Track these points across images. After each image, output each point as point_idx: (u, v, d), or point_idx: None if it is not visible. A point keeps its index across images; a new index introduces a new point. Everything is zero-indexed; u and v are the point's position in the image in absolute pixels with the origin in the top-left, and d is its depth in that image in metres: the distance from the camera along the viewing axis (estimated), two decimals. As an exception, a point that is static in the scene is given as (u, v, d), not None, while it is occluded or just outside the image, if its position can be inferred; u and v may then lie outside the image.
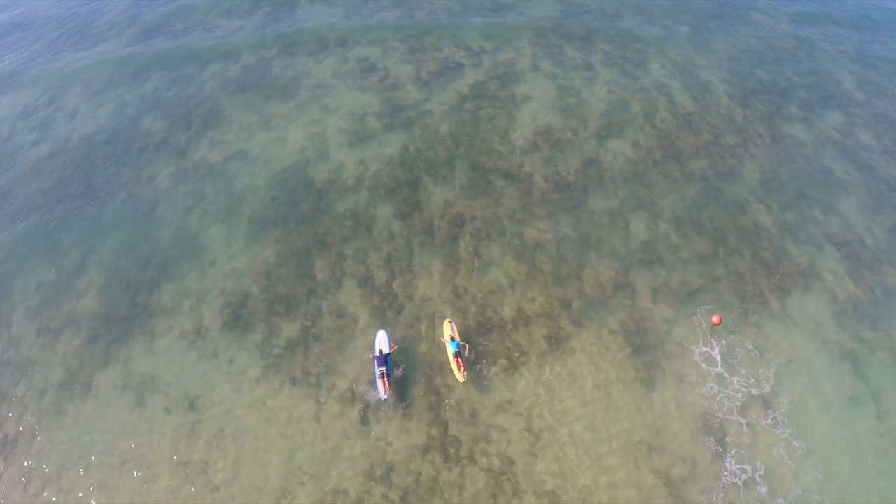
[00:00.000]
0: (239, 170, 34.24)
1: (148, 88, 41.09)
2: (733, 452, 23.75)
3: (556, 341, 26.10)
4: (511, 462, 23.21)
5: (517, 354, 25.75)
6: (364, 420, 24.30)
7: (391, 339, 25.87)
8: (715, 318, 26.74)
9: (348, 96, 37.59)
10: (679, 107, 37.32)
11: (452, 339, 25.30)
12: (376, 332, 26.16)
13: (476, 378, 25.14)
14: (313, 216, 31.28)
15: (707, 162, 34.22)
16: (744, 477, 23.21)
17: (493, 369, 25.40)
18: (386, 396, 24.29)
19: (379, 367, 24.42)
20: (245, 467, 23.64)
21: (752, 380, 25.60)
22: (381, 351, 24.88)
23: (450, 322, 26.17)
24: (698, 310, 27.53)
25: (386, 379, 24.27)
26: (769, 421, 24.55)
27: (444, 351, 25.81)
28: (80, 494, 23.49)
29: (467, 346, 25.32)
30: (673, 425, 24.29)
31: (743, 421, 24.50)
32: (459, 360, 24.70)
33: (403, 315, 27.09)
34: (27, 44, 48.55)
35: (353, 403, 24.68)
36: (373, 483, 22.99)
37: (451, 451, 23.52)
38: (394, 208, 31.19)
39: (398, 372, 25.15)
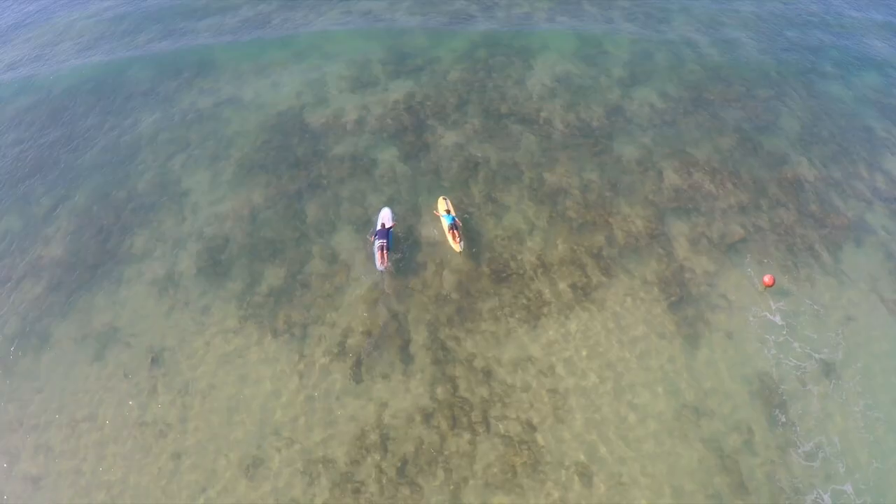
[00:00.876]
0: (229, 116, 29.46)
1: (140, 42, 36.41)
2: (797, 421, 18.65)
3: (583, 291, 21.07)
4: (532, 428, 18.13)
5: (538, 305, 20.71)
6: (356, 377, 19.26)
7: (395, 216, 23.30)
8: (767, 279, 21.68)
9: (351, 44, 32.85)
10: (707, 60, 32.48)
11: (448, 212, 22.78)
12: (380, 209, 23.57)
13: (488, 329, 20.14)
14: (308, 159, 26.42)
15: (741, 114, 29.32)
16: (812, 449, 18.09)
17: (510, 321, 20.36)
18: (383, 268, 21.49)
19: (379, 239, 21.79)
20: (212, 430, 18.61)
21: (811, 339, 20.54)
22: (382, 224, 22.36)
23: (444, 198, 23.65)
24: (746, 260, 22.50)
25: (385, 252, 21.55)
26: (835, 386, 19.47)
27: (441, 230, 22.83)
28: (22, 458, 18.49)
29: (459, 224, 22.55)
30: (723, 388, 19.20)
31: (805, 385, 19.42)
32: (455, 231, 22.06)
33: (405, 262, 22.09)
34: (21, 4, 44.08)
35: (343, 358, 19.65)
36: (365, 451, 17.91)
37: (461, 415, 18.45)
38: (398, 151, 26.33)
39: (398, 254, 22.25)
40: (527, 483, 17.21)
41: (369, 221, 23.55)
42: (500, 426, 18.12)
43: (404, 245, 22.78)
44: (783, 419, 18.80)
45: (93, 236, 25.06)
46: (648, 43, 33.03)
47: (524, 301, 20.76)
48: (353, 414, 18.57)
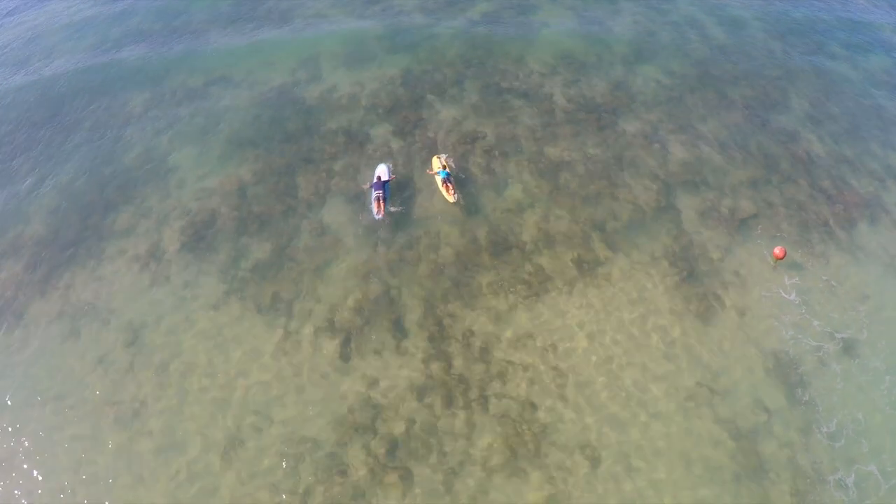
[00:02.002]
0: (220, 93, 27.82)
1: (132, 24, 34.78)
2: (817, 400, 16.93)
3: (588, 266, 19.36)
4: (533, 407, 16.40)
5: (540, 280, 18.99)
6: (344, 355, 17.53)
7: (391, 171, 22.45)
8: (777, 251, 20.01)
9: (347, 23, 31.22)
10: (712, 39, 30.84)
11: (443, 167, 21.97)
12: (377, 165, 22.73)
13: (487, 304, 18.43)
14: (299, 134, 24.77)
15: (749, 91, 27.65)
16: (834, 429, 16.35)
17: (510, 297, 18.64)
18: (380, 216, 20.71)
19: (376, 190, 21.11)
20: (189, 409, 16.89)
21: (828, 316, 18.87)
22: (379, 178, 21.71)
23: (438, 157, 22.60)
24: (758, 235, 20.80)
25: (382, 201, 20.84)
26: (857, 364, 17.76)
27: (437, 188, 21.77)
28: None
29: (453, 178, 21.73)
30: (738, 366, 17.48)
31: (824, 363, 17.74)
32: (448, 184, 21.25)
33: (400, 235, 20.41)
34: (16, -9, 42.57)
35: (331, 334, 17.94)
36: (352, 432, 16.19)
37: (456, 393, 16.72)
38: (393, 126, 24.68)
39: (394, 208, 21.27)
40: (528, 466, 15.48)
41: (361, 194, 21.86)
42: (499, 405, 16.39)
43: (400, 209, 21.39)
44: (803, 398, 17.09)
45: (74, 213, 23.42)
46: (652, 24, 31.38)
47: (525, 276, 19.05)
48: (340, 392, 16.85)
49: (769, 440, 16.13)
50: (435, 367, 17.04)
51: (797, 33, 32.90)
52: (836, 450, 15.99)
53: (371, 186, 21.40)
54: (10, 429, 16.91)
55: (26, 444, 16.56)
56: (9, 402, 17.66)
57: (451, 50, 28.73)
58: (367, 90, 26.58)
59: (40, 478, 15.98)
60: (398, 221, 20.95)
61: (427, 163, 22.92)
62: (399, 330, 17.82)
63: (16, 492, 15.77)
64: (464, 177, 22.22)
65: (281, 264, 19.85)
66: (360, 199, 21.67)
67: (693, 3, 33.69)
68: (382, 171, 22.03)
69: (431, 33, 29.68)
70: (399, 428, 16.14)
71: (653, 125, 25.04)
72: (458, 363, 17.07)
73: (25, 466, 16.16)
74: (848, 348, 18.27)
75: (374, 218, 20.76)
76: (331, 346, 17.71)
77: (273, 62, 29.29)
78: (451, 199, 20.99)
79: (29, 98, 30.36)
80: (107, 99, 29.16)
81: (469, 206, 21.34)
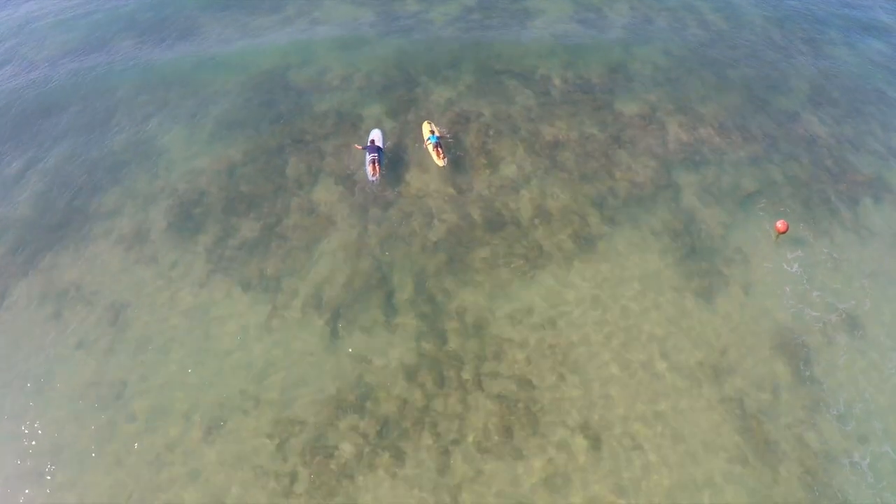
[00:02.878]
0: (211, 76, 26.83)
1: (124, 12, 33.93)
2: (824, 378, 16.01)
3: (585, 241, 18.44)
4: (530, 386, 15.44)
5: (536, 255, 18.06)
6: (334, 332, 16.57)
7: (385, 138, 22.31)
8: (780, 224, 19.14)
9: (341, 9, 30.37)
10: (711, 24, 30.01)
11: (432, 133, 21.73)
12: (370, 131, 22.47)
13: (481, 280, 17.49)
14: (291, 115, 23.85)
15: (749, 72, 26.81)
16: (844, 409, 15.41)
17: (505, 272, 17.70)
18: (375, 178, 20.54)
19: (370, 153, 20.83)
20: (172, 390, 15.92)
21: (834, 291, 18.01)
22: (373, 141, 21.39)
23: (428, 122, 22.42)
24: (760, 212, 19.92)
25: (377, 164, 20.69)
26: (863, 340, 16.84)
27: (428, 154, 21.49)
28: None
29: (444, 141, 21.63)
30: (743, 343, 16.54)
31: (831, 340, 16.80)
32: (439, 149, 21.09)
33: (392, 211, 19.50)
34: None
35: (319, 311, 16.98)
36: (341, 412, 15.22)
37: (449, 371, 15.76)
38: (385, 107, 23.79)
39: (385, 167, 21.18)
40: (524, 446, 14.51)
41: (353, 173, 20.97)
42: (495, 384, 15.43)
43: (392, 179, 20.74)
44: (810, 375, 16.16)
45: (60, 195, 22.47)
46: (649, 10, 30.54)
47: (521, 250, 18.13)
48: (328, 371, 15.88)
49: (776, 420, 15.20)
50: (427, 344, 16.08)
51: (795, 19, 32.09)
52: (847, 431, 15.04)
53: (365, 149, 21.07)
54: (-16, 411, 15.94)
55: (6, 427, 15.57)
56: (-13, 383, 16.71)
57: (446, 33, 27.86)
58: (360, 71, 25.69)
59: (19, 461, 14.99)
60: (391, 198, 20.04)
61: (419, 142, 22.02)
62: (390, 306, 16.88)
63: (-11, 475, 14.80)
64: (451, 140, 21.84)
65: (269, 242, 18.91)
66: (351, 179, 20.74)
67: (690, -11, 32.92)
68: (377, 136, 21.72)
69: (425, 18, 28.82)
70: (390, 408, 15.18)
71: (651, 106, 24.16)
72: (451, 340, 16.12)
73: (3, 449, 15.17)
74: (854, 324, 17.37)
75: (370, 180, 20.58)
76: (319, 323, 16.75)
77: (265, 44, 28.41)
78: (440, 162, 20.88)
79: (18, 84, 29.49)
80: (95, 83, 28.22)
81: (463, 183, 20.45)
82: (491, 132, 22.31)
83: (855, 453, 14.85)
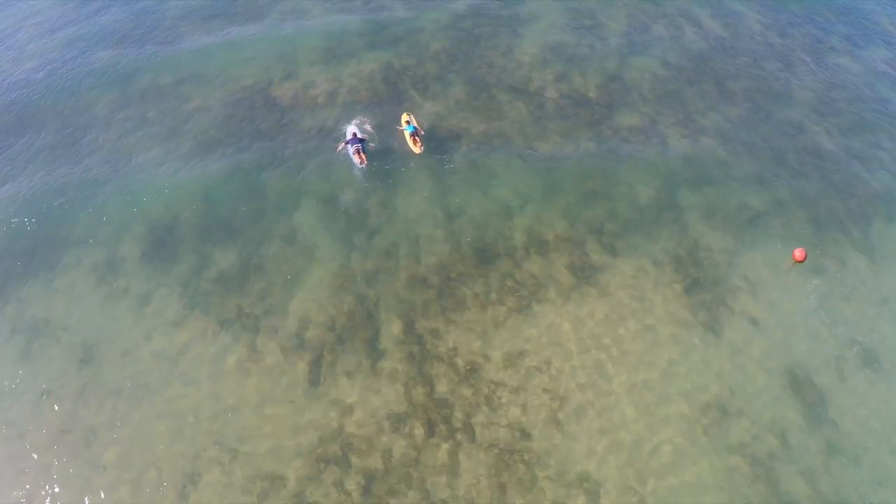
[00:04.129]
0: (190, 91, 25.31)
1: (104, 22, 32.21)
2: (838, 419, 14.76)
3: (584, 273, 17.08)
4: (526, 436, 14.13)
5: (531, 290, 16.69)
6: (315, 376, 15.21)
7: (363, 130, 21.76)
8: (797, 253, 17.77)
9: (326, 18, 28.78)
10: (709, 32, 28.52)
11: (408, 123, 21.46)
12: (345, 129, 21.84)
13: (472, 319, 16.14)
14: (272, 133, 22.36)
15: (750, 83, 25.39)
16: (859, 451, 14.19)
17: (499, 309, 16.35)
18: (363, 166, 20.15)
19: (353, 144, 20.46)
20: (146, 439, 14.59)
21: (845, 323, 16.70)
22: (354, 134, 21.00)
23: (408, 114, 22.04)
24: (768, 235, 18.58)
25: (362, 153, 20.29)
26: (879, 376, 15.60)
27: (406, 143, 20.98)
28: None
29: (421, 132, 21.32)
30: (752, 383, 15.28)
31: (844, 377, 15.54)
32: (416, 138, 20.88)
33: (377, 239, 18.09)
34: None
35: (300, 353, 15.61)
36: (323, 465, 13.89)
37: (439, 420, 14.44)
38: (371, 123, 22.28)
39: (371, 146, 20.96)
40: (520, 503, 13.21)
41: (335, 196, 19.52)
42: (487, 434, 14.11)
43: (378, 202, 19.53)
44: (823, 417, 14.90)
45: (33, 220, 21.03)
46: (646, 16, 29.03)
47: (514, 285, 16.75)
48: (310, 420, 14.54)
49: (788, 466, 13.96)
50: (415, 390, 14.74)
51: (796, 25, 30.64)
52: (862, 475, 13.82)
53: (347, 143, 20.68)
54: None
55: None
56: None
57: (435, 43, 26.31)
58: (345, 86, 24.17)
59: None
60: (375, 224, 18.63)
61: (407, 159, 20.61)
62: (375, 348, 15.51)
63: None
64: (430, 128, 21.61)
65: (247, 275, 17.50)
66: (334, 202, 19.29)
67: (687, -7, 31.39)
68: (354, 129, 21.40)
69: (414, 27, 27.24)
70: (375, 461, 13.86)
71: (651, 118, 22.75)
72: (441, 386, 14.78)
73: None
74: (868, 359, 16.11)
75: (358, 167, 20.22)
76: (300, 366, 15.39)
77: (247, 59, 26.82)
78: (417, 150, 20.64)
79: (-7, 100, 27.91)
80: (73, 99, 26.62)
81: (453, 206, 19.02)
82: (482, 150, 20.87)
83: (873, 499, 13.67)
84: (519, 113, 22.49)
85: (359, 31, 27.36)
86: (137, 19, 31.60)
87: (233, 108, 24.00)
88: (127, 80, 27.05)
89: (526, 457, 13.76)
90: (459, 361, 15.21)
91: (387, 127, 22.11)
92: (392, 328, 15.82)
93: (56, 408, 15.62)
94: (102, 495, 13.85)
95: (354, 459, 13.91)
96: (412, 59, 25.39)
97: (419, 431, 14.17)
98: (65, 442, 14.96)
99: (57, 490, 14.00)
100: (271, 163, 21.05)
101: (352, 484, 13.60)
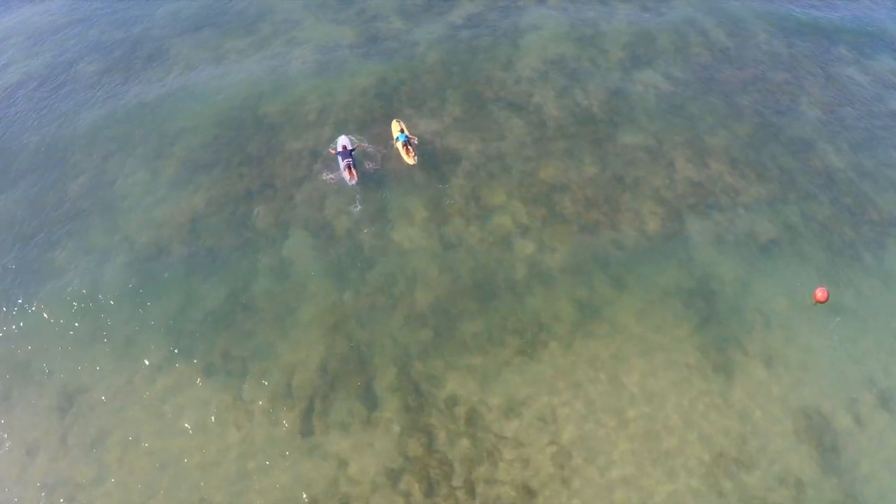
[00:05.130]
0: (177, 109, 24.16)
1: (91, 34, 30.95)
2: (853, 467, 13.85)
3: (589, 310, 16.08)
4: (531, 494, 13.18)
5: (534, 330, 15.70)
6: (306, 429, 14.23)
7: (353, 140, 21.04)
8: (819, 293, 16.60)
9: (319, 29, 27.54)
10: (714, 42, 27.43)
11: (402, 131, 20.75)
12: (337, 137, 21.14)
13: (472, 363, 15.17)
14: (261, 156, 21.25)
15: (757, 97, 24.33)
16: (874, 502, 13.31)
17: (500, 352, 15.37)
18: (354, 182, 19.51)
19: (344, 158, 19.86)
20: (129, 496, 13.58)
21: (862, 359, 15.76)
22: (344, 147, 20.28)
23: (398, 121, 21.39)
24: (780, 264, 17.61)
25: (353, 168, 19.70)
26: (902, 421, 14.68)
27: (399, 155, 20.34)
28: None
29: (415, 139, 20.48)
30: (765, 430, 14.33)
31: (861, 421, 14.62)
32: (408, 147, 20.16)
33: (371, 274, 17.06)
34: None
35: (290, 402, 14.62)
36: (315, 526, 12.94)
37: (438, 477, 13.48)
38: (366, 143, 21.20)
39: (368, 165, 20.42)
40: (525, 569, 12.32)
41: (328, 224, 18.48)
42: (489, 492, 13.15)
43: (373, 231, 18.43)
44: (839, 465, 13.99)
45: (12, 250, 19.98)
46: (649, 25, 27.89)
47: (516, 324, 15.75)
48: (300, 476, 13.56)
49: (809, 522, 13.08)
50: (412, 443, 13.77)
51: (802, 33, 29.49)
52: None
53: (337, 154, 20.05)
54: None
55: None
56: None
57: (431, 56, 25.18)
58: (337, 103, 23.03)
59: None
60: (369, 255, 17.59)
61: (403, 180, 19.57)
62: (369, 397, 14.51)
63: None
64: (426, 143, 20.85)
65: (234, 314, 16.45)
66: (326, 231, 18.24)
67: (690, 3, 30.21)
68: (345, 142, 20.59)
69: (409, 39, 26.08)
70: (370, 522, 12.94)
71: (656, 138, 21.69)
72: (439, 439, 13.81)
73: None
74: (884, 398, 15.21)
75: (349, 185, 19.59)
76: (290, 416, 14.39)
77: (236, 73, 25.65)
78: (410, 160, 19.98)
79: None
80: (55, 120, 25.50)
81: (451, 235, 17.98)
82: (481, 173, 19.82)
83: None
84: (519, 133, 21.39)
85: (352, 45, 26.19)
86: (123, 28, 30.39)
87: (220, 128, 22.84)
88: (111, 98, 25.86)
89: (530, 517, 12.84)
90: (458, 411, 14.21)
91: (381, 144, 21.07)
92: (387, 373, 14.80)
93: (36, 461, 14.65)
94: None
95: (348, 520, 12.98)
96: (407, 73, 24.22)
97: (417, 489, 13.21)
98: (46, 499, 14.02)
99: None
100: (260, 188, 19.92)
101: (345, 547, 12.68)
